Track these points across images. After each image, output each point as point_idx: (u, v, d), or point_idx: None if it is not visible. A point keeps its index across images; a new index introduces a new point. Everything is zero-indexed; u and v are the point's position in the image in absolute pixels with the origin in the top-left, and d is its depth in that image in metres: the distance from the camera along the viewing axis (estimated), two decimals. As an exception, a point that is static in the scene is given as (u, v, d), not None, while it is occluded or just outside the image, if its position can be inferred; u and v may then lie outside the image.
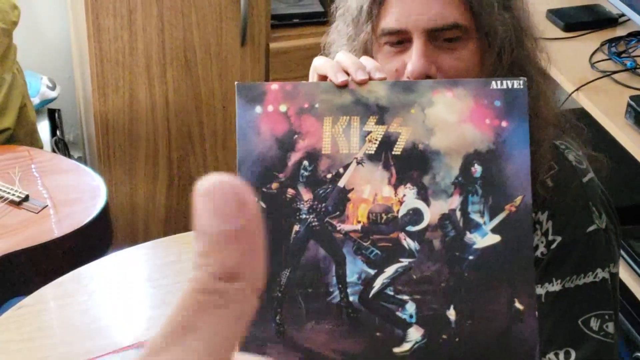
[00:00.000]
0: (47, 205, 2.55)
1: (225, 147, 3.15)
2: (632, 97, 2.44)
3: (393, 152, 1.29)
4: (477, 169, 1.29)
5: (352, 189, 1.30)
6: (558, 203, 1.54)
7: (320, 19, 3.11)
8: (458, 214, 1.29)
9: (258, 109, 1.30)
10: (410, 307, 1.29)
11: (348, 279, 1.29)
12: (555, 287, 1.53)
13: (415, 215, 1.30)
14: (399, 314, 1.29)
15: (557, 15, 2.87)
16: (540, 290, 1.53)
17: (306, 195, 1.30)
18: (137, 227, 3.18)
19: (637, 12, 2.69)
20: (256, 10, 2.97)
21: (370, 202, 1.30)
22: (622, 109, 2.44)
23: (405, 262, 1.29)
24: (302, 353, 1.29)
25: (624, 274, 2.27)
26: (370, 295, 1.29)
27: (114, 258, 2.12)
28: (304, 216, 1.30)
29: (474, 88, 1.30)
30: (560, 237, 1.53)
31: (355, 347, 1.29)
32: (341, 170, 1.30)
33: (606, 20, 2.88)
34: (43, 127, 3.13)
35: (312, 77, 1.42)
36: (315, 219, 1.30)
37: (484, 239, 1.29)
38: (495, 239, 1.29)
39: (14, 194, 2.57)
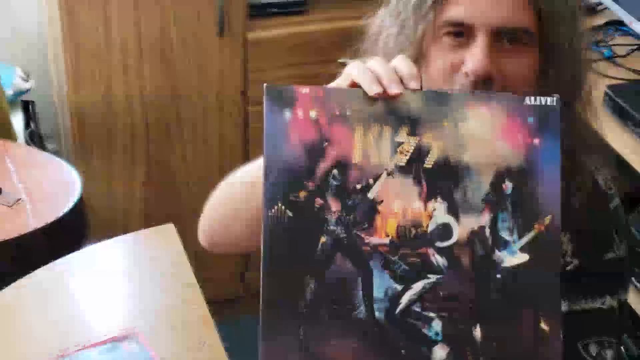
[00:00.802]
0: (21, 199, 2.55)
1: (204, 140, 3.14)
2: (609, 87, 2.45)
3: (424, 165, 1.29)
4: (508, 186, 1.30)
5: (382, 201, 1.29)
6: (582, 226, 1.52)
7: (299, 8, 3.10)
8: (487, 231, 1.29)
9: (287, 114, 1.30)
10: (437, 325, 1.29)
11: (375, 295, 1.29)
12: (562, 307, 1.52)
13: (445, 231, 1.30)
14: (425, 331, 1.29)
15: (536, 5, 2.88)
16: None
17: (335, 205, 1.29)
18: (115, 221, 3.17)
19: (614, 0, 2.70)
20: (233, 0, 2.96)
21: (400, 215, 1.30)
22: (599, 99, 2.45)
23: (433, 278, 1.29)
24: None
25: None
26: (397, 311, 1.29)
27: (91, 251, 2.12)
28: (331, 227, 1.29)
29: (508, 103, 1.30)
30: (578, 260, 1.52)
31: None
32: (371, 181, 1.29)
33: (585, 9, 2.89)
34: (17, 120, 3.12)
35: (345, 82, 1.36)
36: (343, 231, 1.30)
37: (512, 257, 1.30)
38: (523, 258, 1.29)
39: (-13, 188, 2.57)
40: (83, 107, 2.99)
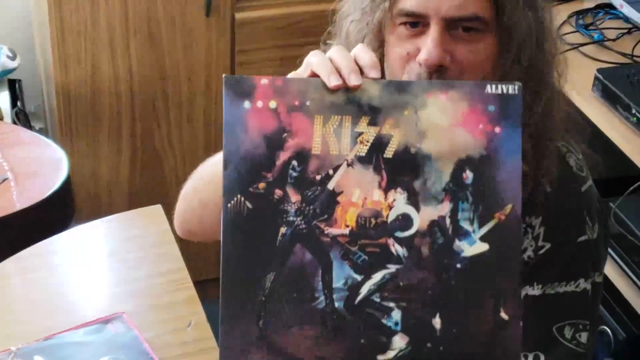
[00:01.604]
0: (7, 178, 2.55)
1: (190, 120, 3.14)
2: (599, 70, 2.45)
3: (384, 155, 1.28)
4: (468, 176, 1.29)
5: (342, 191, 1.29)
6: (553, 210, 1.52)
7: (285, -9, 3.10)
8: (447, 221, 1.29)
9: (246, 104, 1.29)
10: (396, 315, 1.29)
11: (334, 285, 1.28)
12: (535, 291, 1.52)
13: (405, 221, 1.29)
14: (384, 321, 1.29)
15: (526, -13, 2.88)
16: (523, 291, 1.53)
17: (294, 196, 1.28)
18: (100, 201, 3.17)
19: (605, -17, 2.71)
20: (221, -20, 2.95)
21: (360, 206, 1.29)
22: (589, 82, 2.46)
23: (392, 268, 1.29)
24: (285, 358, 1.28)
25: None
26: (356, 301, 1.28)
27: (77, 232, 2.12)
28: (291, 218, 1.29)
29: (469, 91, 1.29)
30: (550, 244, 1.52)
31: (339, 353, 1.30)
32: (331, 172, 1.29)
33: (574, -8, 2.89)
34: (3, 98, 3.12)
35: (305, 72, 1.35)
36: (303, 222, 1.29)
37: (472, 247, 1.29)
38: (483, 247, 1.29)
39: (-27, 167, 2.56)
40: (69, 86, 2.99)
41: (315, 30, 2.98)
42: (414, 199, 1.28)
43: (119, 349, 1.74)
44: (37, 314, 1.85)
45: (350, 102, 1.28)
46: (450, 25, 1.42)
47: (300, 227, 1.29)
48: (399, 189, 1.29)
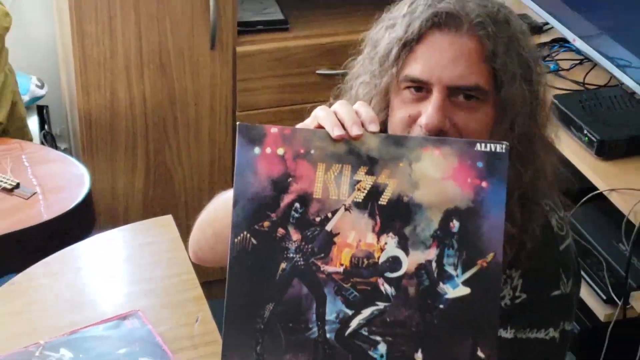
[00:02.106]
0: (36, 192, 2.54)
1: (197, 140, 3.13)
2: (555, 96, 2.46)
3: (379, 202, 1.27)
4: (455, 225, 1.28)
5: (338, 233, 1.28)
6: (532, 265, 1.49)
7: (282, 26, 3.09)
8: (434, 265, 1.27)
9: (257, 149, 1.28)
10: (382, 348, 1.28)
11: (327, 317, 1.27)
12: (508, 334, 1.50)
13: (394, 263, 1.27)
14: (370, 353, 1.27)
15: (490, 24, 2.88)
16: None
17: (295, 235, 1.27)
18: (117, 212, 3.16)
19: (559, 21, 2.71)
20: (224, 18, 2.95)
21: (354, 247, 1.28)
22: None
23: (381, 305, 1.27)
24: None
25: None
26: (346, 333, 1.27)
27: (97, 239, 2.11)
28: (291, 255, 1.27)
29: (460, 148, 1.27)
30: (526, 295, 1.49)
31: None
32: (330, 214, 1.27)
33: (533, 28, 2.89)
34: (32, 122, 3.11)
35: (312, 123, 1.33)
36: (302, 259, 1.28)
37: (455, 290, 1.27)
38: (465, 291, 1.27)
39: (6, 182, 2.56)
40: (90, 111, 2.98)
41: (306, 62, 3.02)
42: (404, 243, 1.27)
43: (135, 342, 1.74)
44: (62, 311, 1.84)
45: (350, 152, 1.26)
46: (452, 92, 1.40)
47: (299, 263, 1.28)
48: (390, 234, 1.27)
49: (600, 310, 2.27)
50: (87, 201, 2.57)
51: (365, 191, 1.27)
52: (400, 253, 1.27)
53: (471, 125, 1.41)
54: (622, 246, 2.27)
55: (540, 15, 2.82)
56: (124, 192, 3.16)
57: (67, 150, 3.46)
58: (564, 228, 1.55)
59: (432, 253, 1.27)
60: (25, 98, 3.13)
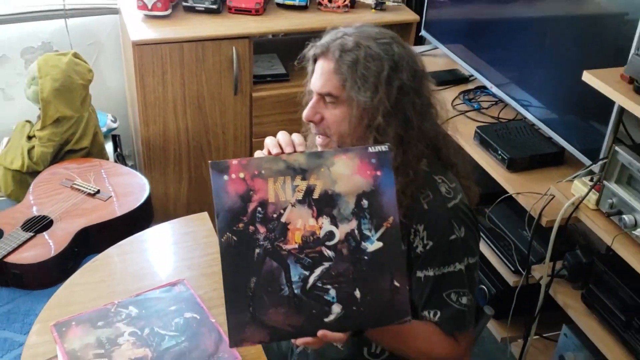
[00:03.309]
0: (111, 196, 2.55)
1: (224, 157, 3.13)
2: (478, 127, 2.48)
3: (313, 197, 1.33)
4: (365, 203, 1.33)
5: (290, 222, 1.33)
6: (430, 219, 1.50)
7: (284, 78, 3.10)
8: (356, 232, 1.33)
9: (225, 177, 1.32)
10: (332, 292, 1.32)
11: (292, 279, 1.31)
12: (430, 272, 1.52)
13: (330, 235, 1.33)
14: (325, 297, 1.32)
15: (432, 76, 2.87)
16: (420, 274, 1.52)
17: (261, 229, 1.33)
18: (168, 210, 3.17)
19: (480, 74, 2.74)
20: (243, 72, 2.96)
21: (302, 229, 1.34)
22: (472, 135, 2.48)
23: (326, 264, 1.32)
24: (269, 329, 1.31)
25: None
26: (307, 288, 1.32)
27: (155, 229, 2.10)
28: (261, 243, 1.33)
29: (359, 152, 1.34)
30: (432, 242, 1.51)
31: (300, 321, 1.32)
32: (282, 211, 1.33)
33: (461, 79, 2.92)
34: (109, 146, 3.11)
35: (265, 149, 1.47)
36: (269, 244, 1.33)
37: (372, 245, 1.33)
38: (379, 245, 1.33)
39: (90, 189, 2.57)
40: (149, 138, 2.99)
41: (302, 104, 3.01)
42: (334, 221, 1.32)
43: (182, 301, 1.74)
44: (130, 280, 1.84)
45: (288, 167, 1.32)
46: (322, 97, 1.51)
47: (268, 247, 1.32)
48: (324, 216, 1.32)
49: (510, 278, 2.28)
50: (148, 202, 2.58)
51: (303, 191, 1.32)
52: (333, 228, 1.33)
53: (330, 118, 1.51)
54: (525, 233, 2.28)
55: (467, 69, 2.84)
56: (173, 195, 3.17)
57: (133, 166, 3.46)
58: (452, 193, 1.53)
59: (353, 224, 1.32)
60: (104, 129, 3.14)
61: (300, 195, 1.33)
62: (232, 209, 1.32)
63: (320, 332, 1.31)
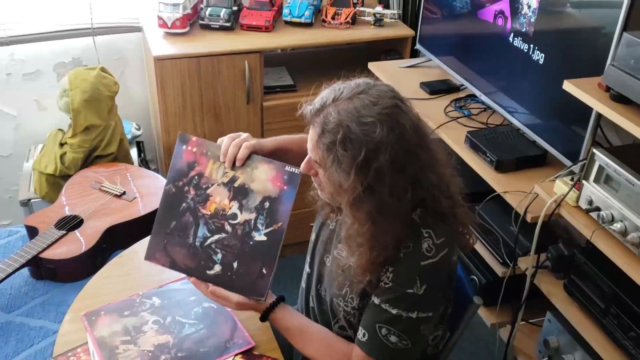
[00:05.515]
0: (136, 197, 2.56)
1: (238, 162, 3.14)
2: (468, 132, 2.47)
3: (234, 185, 1.54)
4: (267, 204, 1.52)
5: (212, 195, 1.54)
6: (400, 267, 1.45)
7: (292, 89, 3.10)
8: (252, 222, 1.53)
9: (184, 147, 1.57)
10: (219, 256, 1.54)
11: (197, 234, 1.55)
12: (376, 300, 1.49)
13: (234, 216, 1.53)
14: (214, 257, 1.54)
15: (426, 85, 2.89)
16: (372, 299, 1.50)
17: (192, 192, 1.56)
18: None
19: (470, 83, 2.73)
20: (255, 84, 2.96)
21: (218, 204, 1.54)
22: (462, 139, 2.47)
23: (224, 235, 1.54)
24: (170, 259, 1.56)
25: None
26: (205, 245, 1.55)
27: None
28: (188, 201, 1.55)
29: (278, 167, 1.52)
30: (392, 283, 1.46)
31: (192, 264, 1.55)
32: (210, 186, 1.55)
33: (453, 88, 2.91)
34: (133, 152, 3.12)
35: (225, 140, 1.57)
36: (193, 204, 1.55)
37: (259, 236, 1.52)
38: (264, 238, 1.52)
39: (117, 191, 2.57)
40: (170, 144, 2.99)
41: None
42: (240, 208, 1.53)
43: (200, 292, 1.73)
44: (153, 273, 1.84)
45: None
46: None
47: (191, 205, 1.55)
48: (235, 202, 1.52)
49: (499, 269, 2.27)
50: (169, 202, 2.58)
51: (229, 178, 1.52)
52: (238, 212, 1.53)
53: (321, 177, 1.47)
54: (512, 228, 2.27)
55: (458, 79, 2.84)
56: (192, 196, 3.16)
57: (156, 170, 3.47)
58: (432, 250, 1.43)
59: (252, 215, 1.52)
60: (129, 136, 3.15)
61: (225, 180, 1.52)
62: (179, 170, 1.55)
63: (211, 288, 1.51)
